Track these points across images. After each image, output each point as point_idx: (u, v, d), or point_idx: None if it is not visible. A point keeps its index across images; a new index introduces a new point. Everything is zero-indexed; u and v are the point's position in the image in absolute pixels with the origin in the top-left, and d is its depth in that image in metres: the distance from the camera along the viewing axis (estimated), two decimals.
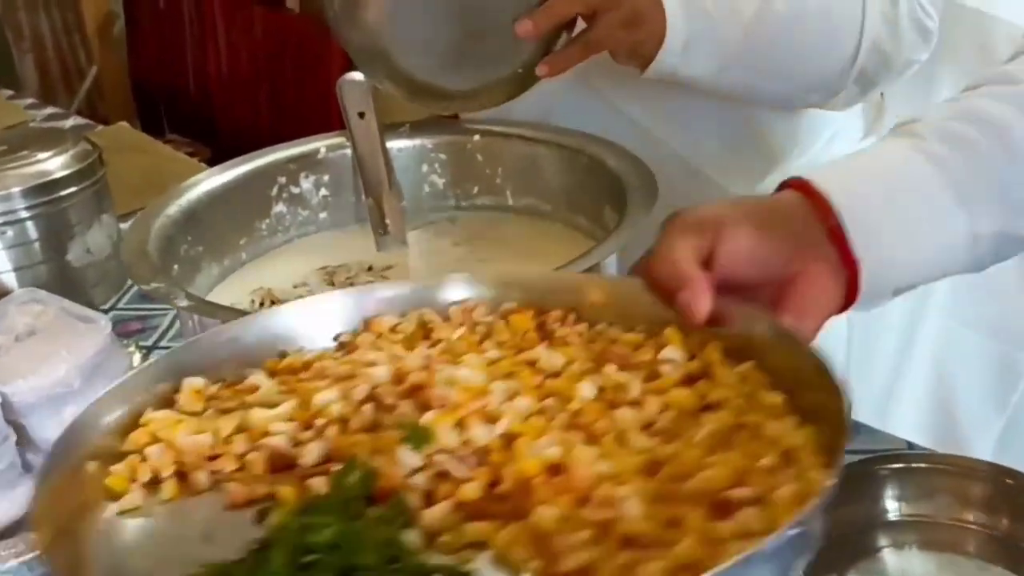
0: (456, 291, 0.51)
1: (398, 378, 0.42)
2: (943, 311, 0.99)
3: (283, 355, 0.48)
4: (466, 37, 0.75)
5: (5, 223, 1.02)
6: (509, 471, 0.35)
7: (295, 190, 0.84)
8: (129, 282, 1.13)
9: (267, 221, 0.83)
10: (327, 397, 0.42)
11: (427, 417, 0.38)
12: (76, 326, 0.79)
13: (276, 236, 0.83)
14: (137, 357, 0.90)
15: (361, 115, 0.83)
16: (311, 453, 0.39)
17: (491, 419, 0.39)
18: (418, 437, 0.37)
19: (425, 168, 0.86)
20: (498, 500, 0.34)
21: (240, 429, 0.42)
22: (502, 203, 0.85)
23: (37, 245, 1.04)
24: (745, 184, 0.77)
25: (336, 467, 0.37)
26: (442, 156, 0.86)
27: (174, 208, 0.74)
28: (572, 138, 0.80)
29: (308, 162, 0.84)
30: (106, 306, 1.07)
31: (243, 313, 0.58)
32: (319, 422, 0.40)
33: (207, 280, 0.77)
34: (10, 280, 1.04)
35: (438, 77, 0.77)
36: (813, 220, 0.46)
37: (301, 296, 0.75)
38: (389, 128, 0.84)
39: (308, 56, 1.99)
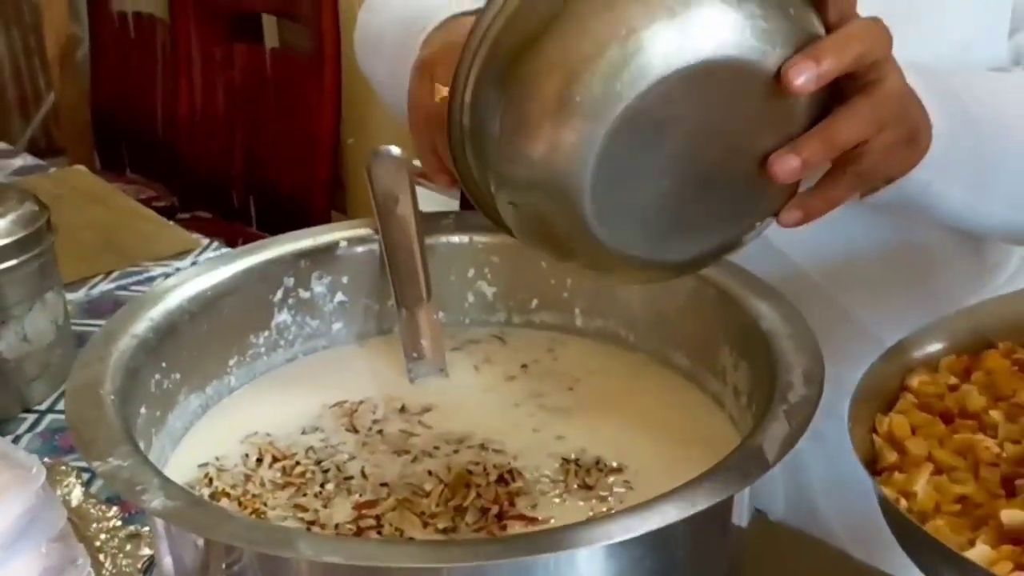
0: None
1: None
2: None
3: None
4: (693, 187, 0.47)
5: None
6: None
7: (304, 294, 0.64)
8: None
9: (265, 334, 0.63)
10: None
11: None
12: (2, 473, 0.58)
13: (276, 353, 0.63)
14: (78, 493, 0.69)
15: (396, 201, 0.65)
16: None
17: None
18: None
19: (472, 272, 0.67)
20: None
21: None
22: (568, 323, 0.67)
23: None
24: (898, 331, 0.59)
25: None
26: (495, 259, 0.67)
27: (144, 324, 0.54)
28: None
29: (324, 258, 0.64)
30: (43, 406, 0.87)
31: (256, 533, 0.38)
32: None
33: (184, 417, 0.57)
34: None
35: (635, 246, 0.48)
36: None
37: (311, 446, 0.56)
38: (430, 219, 0.66)
39: (290, 98, 1.81)
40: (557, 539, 0.39)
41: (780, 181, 0.45)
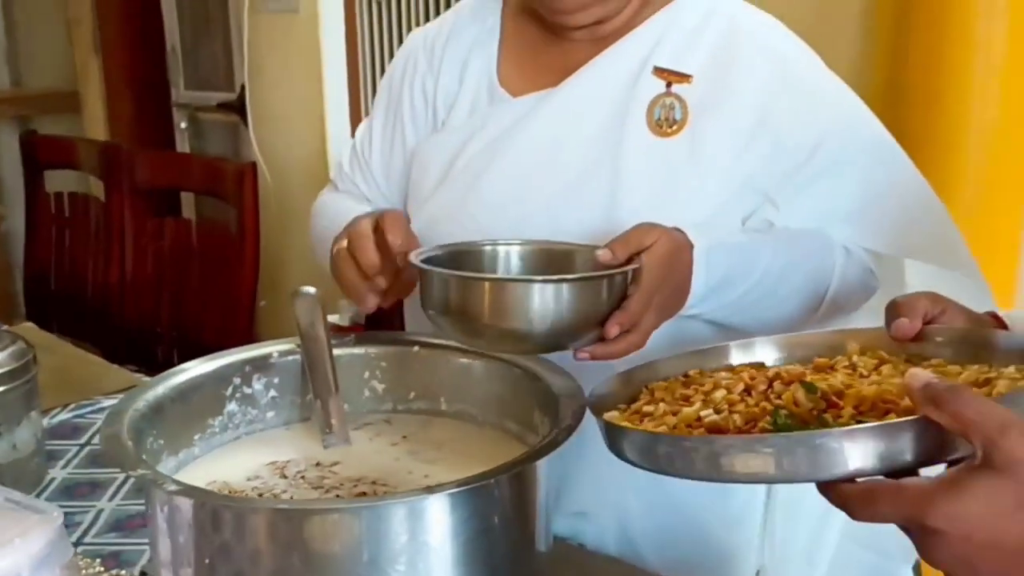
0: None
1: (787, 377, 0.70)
2: (841, 532, 1.12)
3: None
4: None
5: None
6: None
7: (247, 390, 0.91)
8: (48, 478, 1.15)
9: (219, 418, 0.89)
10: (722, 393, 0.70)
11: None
12: (24, 519, 0.81)
13: (227, 432, 0.90)
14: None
15: (312, 324, 0.93)
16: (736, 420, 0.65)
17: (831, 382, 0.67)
18: (809, 387, 0.65)
19: (367, 374, 0.95)
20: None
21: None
22: (435, 407, 0.95)
23: None
24: None
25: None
26: (383, 364, 0.95)
27: (141, 404, 0.80)
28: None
29: (261, 365, 0.92)
30: None
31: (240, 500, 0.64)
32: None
33: (165, 470, 0.82)
34: None
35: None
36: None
37: (255, 487, 0.81)
38: (336, 337, 0.94)
39: (214, 266, 2.08)
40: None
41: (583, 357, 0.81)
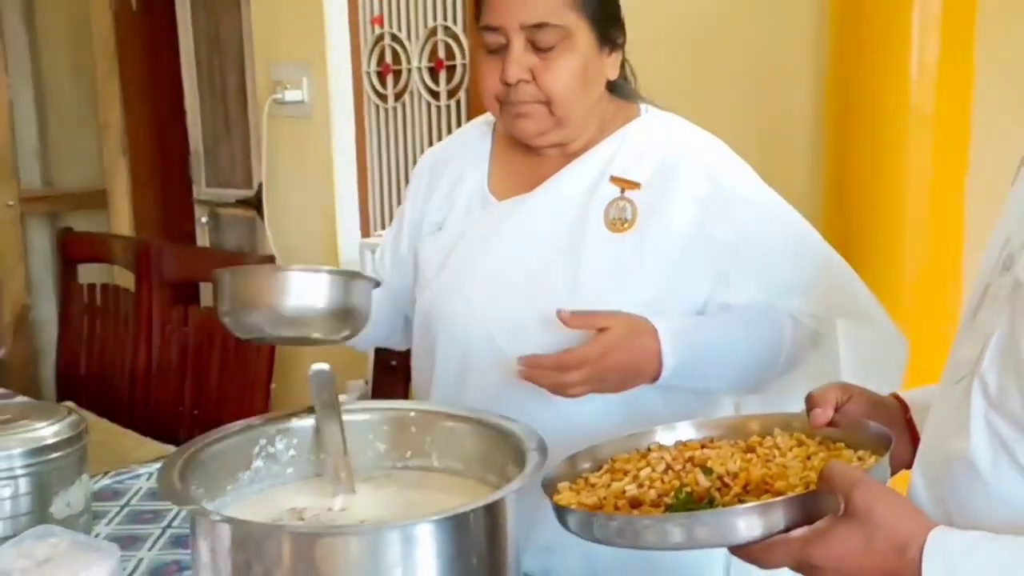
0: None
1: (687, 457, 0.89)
2: None
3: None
4: None
5: (5, 479, 1.22)
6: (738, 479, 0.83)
7: (271, 449, 1.09)
8: (94, 533, 1.32)
9: (248, 472, 1.08)
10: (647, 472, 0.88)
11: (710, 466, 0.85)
12: (89, 554, 0.98)
13: (254, 485, 1.08)
14: None
15: (325, 394, 1.12)
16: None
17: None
18: (707, 471, 0.84)
19: (371, 436, 1.14)
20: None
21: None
22: (428, 464, 1.13)
23: (27, 498, 1.23)
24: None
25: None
26: (385, 428, 1.14)
27: (187, 455, 0.99)
28: (484, 415, 1.10)
29: (283, 428, 1.10)
30: None
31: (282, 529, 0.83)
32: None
33: None
34: None
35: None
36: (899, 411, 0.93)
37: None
38: (345, 406, 1.13)
39: (234, 351, 2.27)
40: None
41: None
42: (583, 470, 0.92)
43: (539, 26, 1.15)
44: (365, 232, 3.01)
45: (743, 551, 0.75)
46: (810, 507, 0.73)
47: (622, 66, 1.26)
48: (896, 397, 0.95)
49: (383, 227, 2.94)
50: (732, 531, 0.73)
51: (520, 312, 1.19)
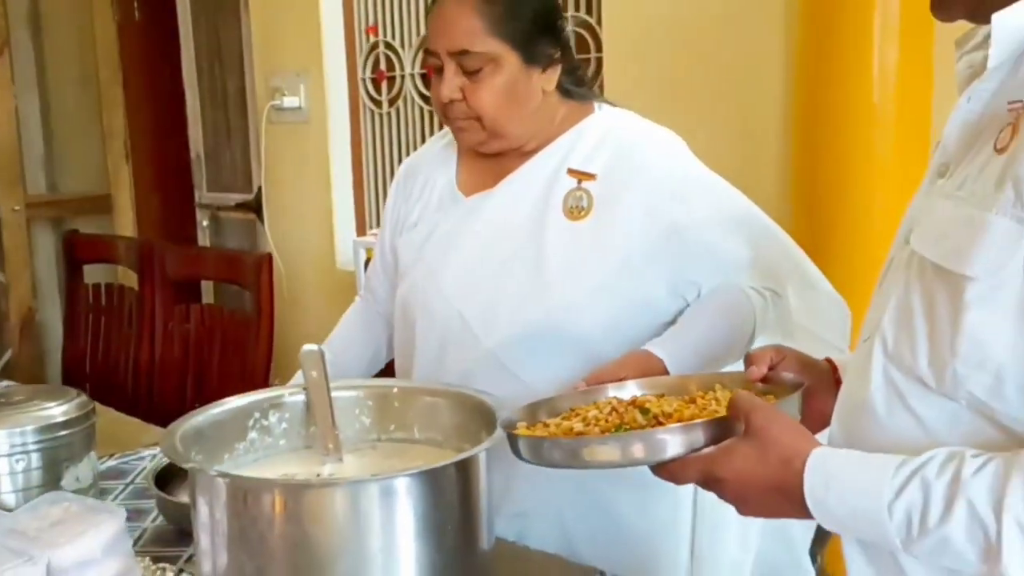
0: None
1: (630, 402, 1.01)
2: (760, 534, 1.38)
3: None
4: None
5: (18, 453, 1.31)
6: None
7: (265, 423, 1.19)
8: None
9: (243, 443, 1.17)
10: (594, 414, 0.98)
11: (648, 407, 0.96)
12: (98, 515, 1.08)
13: (249, 455, 1.17)
14: None
15: (315, 372, 1.21)
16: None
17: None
18: (643, 410, 0.94)
19: (357, 411, 1.23)
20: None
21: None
22: (411, 436, 1.22)
23: (38, 472, 1.33)
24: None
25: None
26: (369, 403, 1.23)
27: (188, 426, 1.08)
28: (460, 390, 1.19)
29: (276, 403, 1.20)
30: None
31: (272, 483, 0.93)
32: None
33: None
34: (10, 500, 1.31)
35: None
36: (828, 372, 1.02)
37: None
38: (333, 382, 1.22)
39: (233, 344, 2.37)
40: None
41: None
42: (540, 417, 1.02)
43: (462, 53, 1.27)
44: (361, 232, 3.11)
45: (663, 469, 0.85)
46: (720, 430, 0.85)
47: (575, 71, 1.36)
48: (828, 360, 1.04)
49: (378, 226, 3.04)
50: (656, 449, 0.85)
51: (490, 298, 1.30)
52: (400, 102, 2.95)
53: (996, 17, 0.74)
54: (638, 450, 0.86)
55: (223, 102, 3.63)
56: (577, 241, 1.28)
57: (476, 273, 1.33)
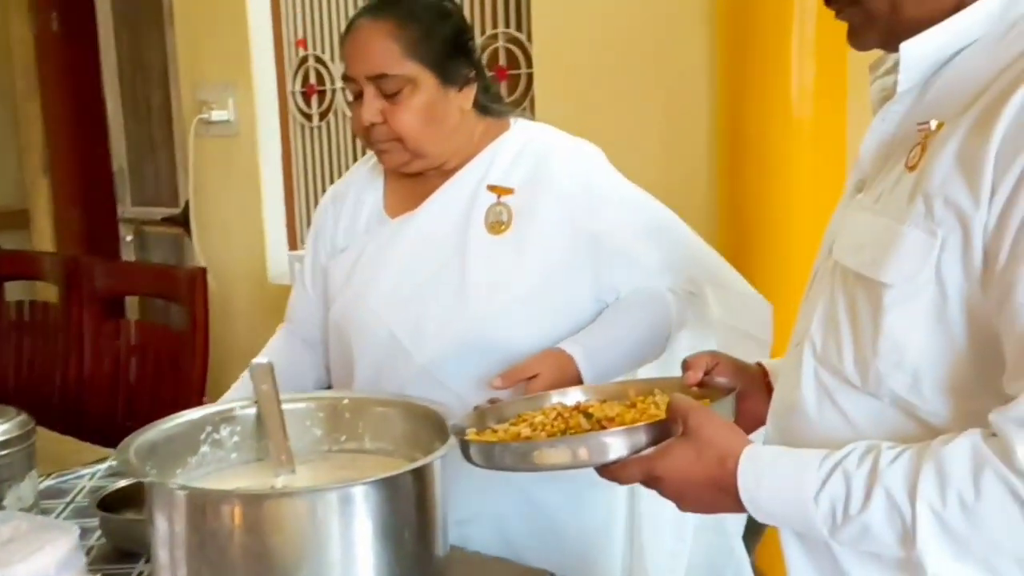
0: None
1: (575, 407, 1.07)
2: (695, 526, 1.44)
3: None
4: None
5: None
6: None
7: (216, 436, 1.20)
8: None
9: (195, 457, 1.18)
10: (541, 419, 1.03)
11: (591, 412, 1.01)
12: (51, 532, 1.07)
13: (201, 468, 1.18)
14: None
15: (265, 385, 1.23)
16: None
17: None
18: (587, 415, 0.98)
19: (309, 422, 1.25)
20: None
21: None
22: (361, 446, 1.25)
23: None
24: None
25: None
26: (320, 414, 1.25)
27: (142, 440, 1.09)
28: (409, 400, 1.22)
29: (228, 416, 1.21)
30: None
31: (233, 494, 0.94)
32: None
33: None
34: None
35: None
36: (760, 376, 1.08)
37: None
38: (284, 395, 1.24)
39: (165, 360, 2.34)
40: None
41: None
42: (489, 423, 1.06)
43: (380, 76, 1.31)
44: (293, 246, 3.11)
45: (607, 470, 0.90)
46: (660, 432, 0.90)
47: (488, 89, 1.41)
48: (759, 364, 1.11)
49: None
50: (601, 451, 0.89)
51: (418, 315, 1.35)
52: (331, 116, 2.96)
53: (904, 46, 0.81)
54: (584, 453, 0.91)
55: (146, 115, 3.58)
56: (499, 254, 1.33)
57: (403, 292, 1.37)
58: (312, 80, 2.99)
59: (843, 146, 1.97)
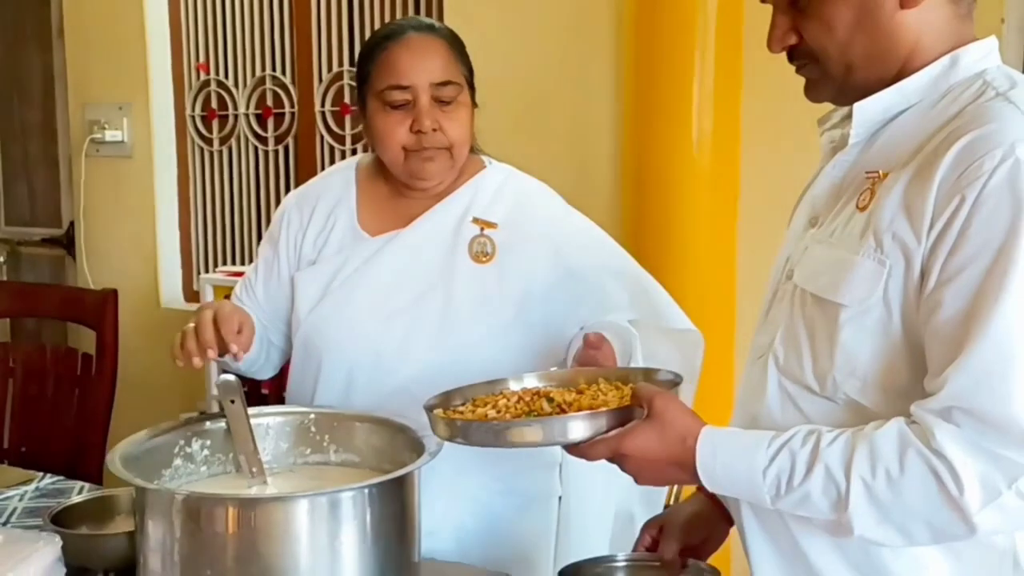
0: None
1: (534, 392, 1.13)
2: (616, 504, 1.55)
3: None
4: None
5: None
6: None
7: (188, 450, 1.24)
8: None
9: (169, 470, 1.21)
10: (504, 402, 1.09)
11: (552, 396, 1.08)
12: (34, 543, 1.08)
13: (174, 481, 1.21)
14: None
15: (232, 401, 1.27)
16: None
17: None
18: (549, 399, 1.06)
19: (274, 436, 1.30)
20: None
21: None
22: (327, 459, 1.31)
23: None
24: None
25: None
26: (287, 429, 1.31)
27: (125, 452, 1.12)
28: (377, 415, 1.30)
29: (198, 430, 1.25)
30: None
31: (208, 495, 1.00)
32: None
33: None
34: None
35: None
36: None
37: None
38: (253, 411, 1.29)
39: (66, 384, 2.28)
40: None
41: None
42: (454, 404, 1.15)
43: (444, 83, 1.40)
44: (188, 270, 3.07)
45: (575, 449, 1.02)
46: (626, 415, 1.01)
47: None
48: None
49: (207, 269, 3.02)
50: (573, 431, 1.00)
51: (405, 334, 1.41)
52: (233, 141, 2.97)
53: (857, 106, 0.97)
54: (559, 432, 1.01)
55: (22, 133, 3.46)
56: (483, 283, 1.42)
57: (388, 309, 1.43)
58: (214, 104, 2.99)
59: (736, 182, 2.18)
